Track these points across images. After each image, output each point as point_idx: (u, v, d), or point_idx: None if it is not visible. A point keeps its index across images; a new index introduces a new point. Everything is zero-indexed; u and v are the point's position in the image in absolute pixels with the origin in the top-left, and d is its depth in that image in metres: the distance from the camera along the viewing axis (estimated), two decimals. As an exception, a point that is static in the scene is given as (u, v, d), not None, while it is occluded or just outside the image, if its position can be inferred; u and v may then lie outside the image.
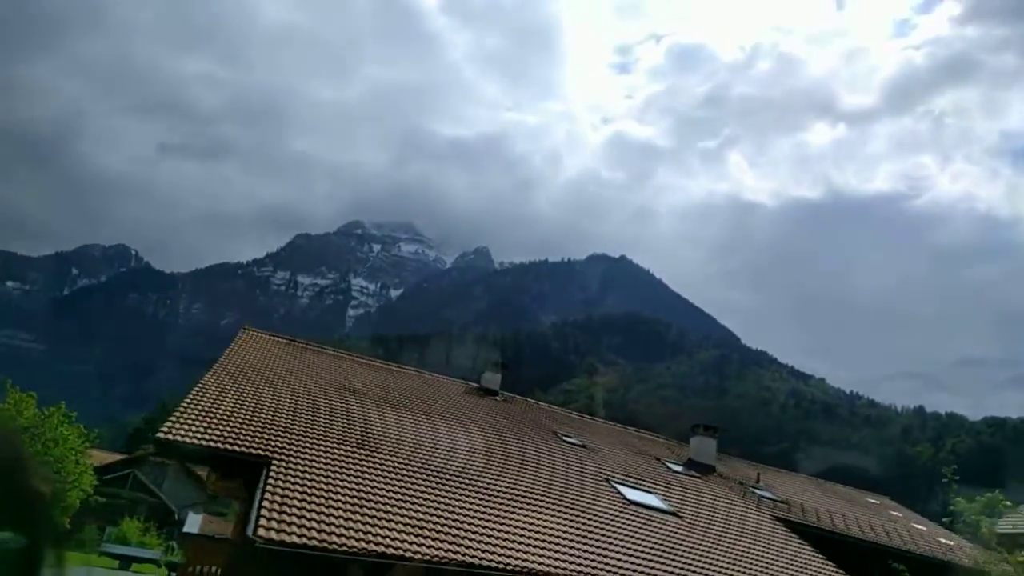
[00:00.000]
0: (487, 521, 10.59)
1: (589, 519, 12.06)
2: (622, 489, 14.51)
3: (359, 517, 9.11)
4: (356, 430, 12.58)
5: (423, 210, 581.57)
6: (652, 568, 10.83)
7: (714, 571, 11.53)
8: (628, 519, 12.78)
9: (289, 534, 8.05)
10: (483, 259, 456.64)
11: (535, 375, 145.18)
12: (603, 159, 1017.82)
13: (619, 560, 10.74)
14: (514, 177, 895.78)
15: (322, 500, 9.25)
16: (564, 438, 17.86)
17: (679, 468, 19.29)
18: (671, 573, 10.87)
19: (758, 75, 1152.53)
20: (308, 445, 11.07)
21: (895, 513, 24.33)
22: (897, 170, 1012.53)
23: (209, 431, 10.40)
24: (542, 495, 12.55)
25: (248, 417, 11.49)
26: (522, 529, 10.77)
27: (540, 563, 9.81)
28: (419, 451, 12.55)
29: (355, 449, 11.57)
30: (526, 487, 12.69)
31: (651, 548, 11.68)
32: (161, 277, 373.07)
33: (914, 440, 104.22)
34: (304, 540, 8.05)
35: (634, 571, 10.53)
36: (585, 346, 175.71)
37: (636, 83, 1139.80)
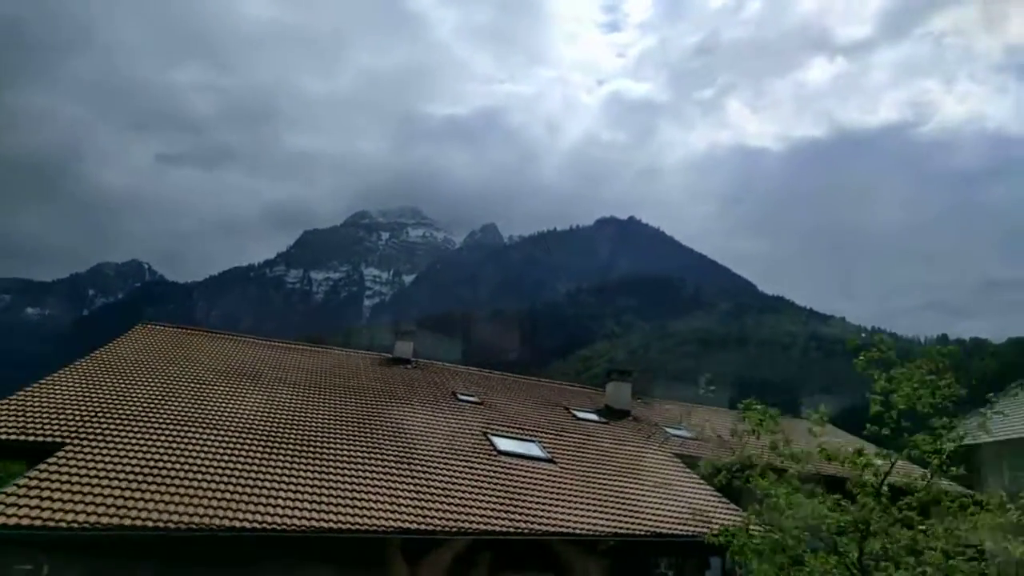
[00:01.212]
0: (321, 485, 11.10)
1: (445, 473, 12.61)
2: (496, 440, 15.12)
3: (141, 494, 9.62)
4: (195, 411, 13.09)
5: (427, 193, 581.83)
6: (495, 512, 11.46)
7: (571, 509, 12.26)
8: (491, 469, 13.35)
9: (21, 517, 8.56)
10: (492, 236, 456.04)
11: (553, 345, 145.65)
12: (602, 121, 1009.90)
13: (461, 509, 11.31)
14: (515, 149, 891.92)
15: (102, 480, 9.80)
16: (462, 398, 18.31)
17: (587, 415, 19.64)
18: (516, 515, 11.53)
19: (748, 17, 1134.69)
20: (116, 429, 11.61)
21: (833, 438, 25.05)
22: (901, 98, 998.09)
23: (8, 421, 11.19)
24: (398, 455, 13.06)
25: (57, 405, 12.12)
26: (359, 489, 11.26)
27: (366, 521, 10.24)
28: (268, 425, 13.16)
29: (177, 429, 12.11)
30: (382, 449, 13.21)
31: (505, 495, 12.26)
32: (176, 288, 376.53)
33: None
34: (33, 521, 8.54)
35: (470, 517, 11.08)
36: (601, 311, 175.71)
37: (627, 40, 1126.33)
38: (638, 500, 13.54)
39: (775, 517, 7.49)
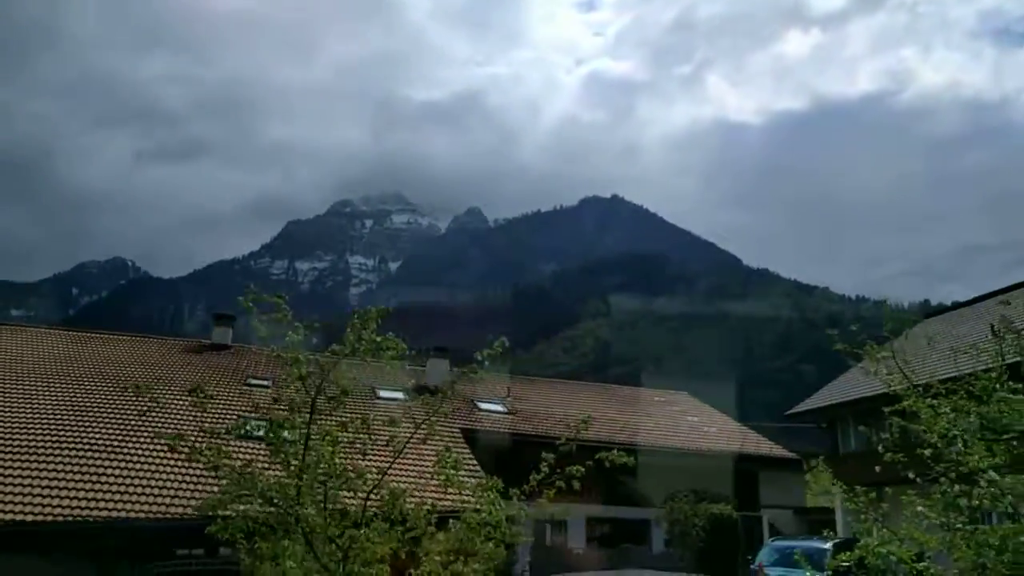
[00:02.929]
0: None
1: (167, 461, 13.02)
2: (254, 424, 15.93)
3: None
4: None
5: (410, 179, 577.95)
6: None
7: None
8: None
9: None
10: (476, 219, 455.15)
11: (539, 326, 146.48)
12: (582, 101, 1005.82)
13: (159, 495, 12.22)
14: (496, 132, 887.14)
15: None
16: (253, 382, 18.80)
17: (392, 394, 19.89)
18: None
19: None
20: None
21: (690, 417, 26.59)
22: (879, 68, 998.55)
23: None
24: (109, 443, 13.97)
25: None
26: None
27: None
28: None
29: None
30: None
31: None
32: (161, 284, 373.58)
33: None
34: None
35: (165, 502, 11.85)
36: (586, 290, 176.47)
37: (604, 18, 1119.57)
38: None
39: None
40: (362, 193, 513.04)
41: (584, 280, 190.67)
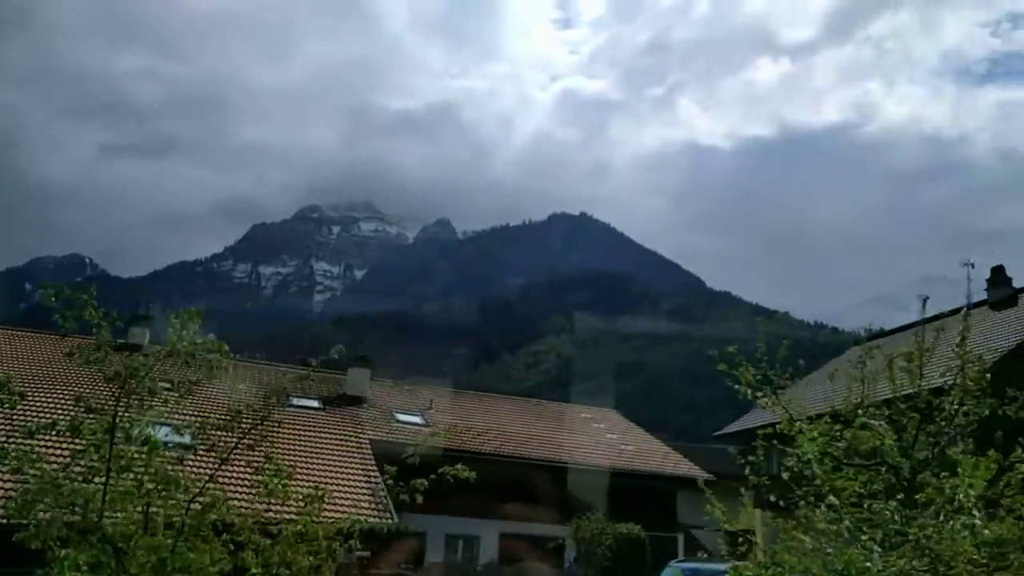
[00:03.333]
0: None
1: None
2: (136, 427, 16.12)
3: None
4: None
5: (380, 187, 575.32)
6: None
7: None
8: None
9: None
10: (445, 230, 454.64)
11: (504, 339, 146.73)
12: (555, 118, 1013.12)
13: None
14: (468, 145, 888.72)
15: None
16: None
17: (305, 403, 20.05)
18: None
19: (697, 17, 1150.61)
20: None
21: (611, 435, 27.30)
22: (845, 99, 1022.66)
23: None
24: None
25: None
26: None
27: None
28: None
29: None
30: None
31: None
32: (119, 283, 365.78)
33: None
34: None
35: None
36: (550, 306, 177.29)
37: (580, 37, 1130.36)
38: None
39: None
40: (331, 199, 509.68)
41: (549, 296, 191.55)
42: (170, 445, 5.99)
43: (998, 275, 24.18)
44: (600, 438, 27.74)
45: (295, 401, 19.33)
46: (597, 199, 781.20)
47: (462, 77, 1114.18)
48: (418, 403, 24.78)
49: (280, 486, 5.85)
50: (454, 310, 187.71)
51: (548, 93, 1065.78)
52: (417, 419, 22.91)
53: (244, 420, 6.06)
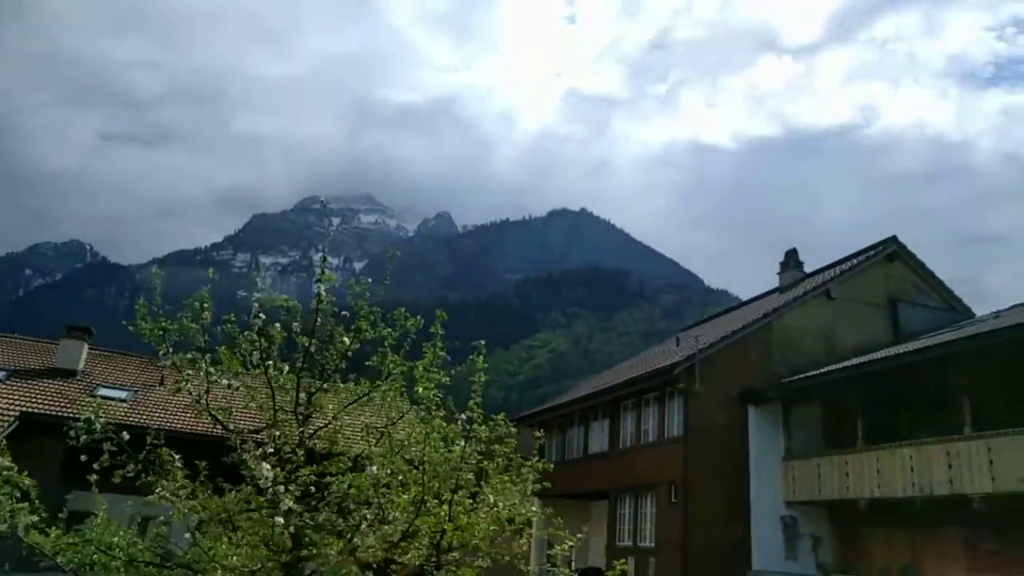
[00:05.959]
0: None
1: None
2: None
3: None
4: None
5: (381, 180, 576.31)
6: None
7: None
8: None
9: None
10: (445, 224, 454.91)
11: (499, 334, 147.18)
12: (559, 114, 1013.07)
13: None
14: (470, 139, 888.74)
15: None
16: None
17: None
18: None
19: (700, 16, 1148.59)
20: None
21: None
22: (849, 100, 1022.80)
23: None
24: None
25: None
26: None
27: None
28: None
29: None
30: None
31: None
32: (118, 270, 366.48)
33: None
34: None
35: None
36: (547, 301, 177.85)
37: (584, 33, 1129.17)
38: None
39: None
40: (332, 191, 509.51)
41: (547, 291, 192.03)
42: None
43: (791, 258, 25.75)
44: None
45: None
46: (598, 196, 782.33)
47: (466, 71, 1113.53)
48: (154, 379, 22.75)
49: None
50: (451, 303, 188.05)
51: (552, 90, 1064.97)
52: (121, 394, 21.27)
53: None
